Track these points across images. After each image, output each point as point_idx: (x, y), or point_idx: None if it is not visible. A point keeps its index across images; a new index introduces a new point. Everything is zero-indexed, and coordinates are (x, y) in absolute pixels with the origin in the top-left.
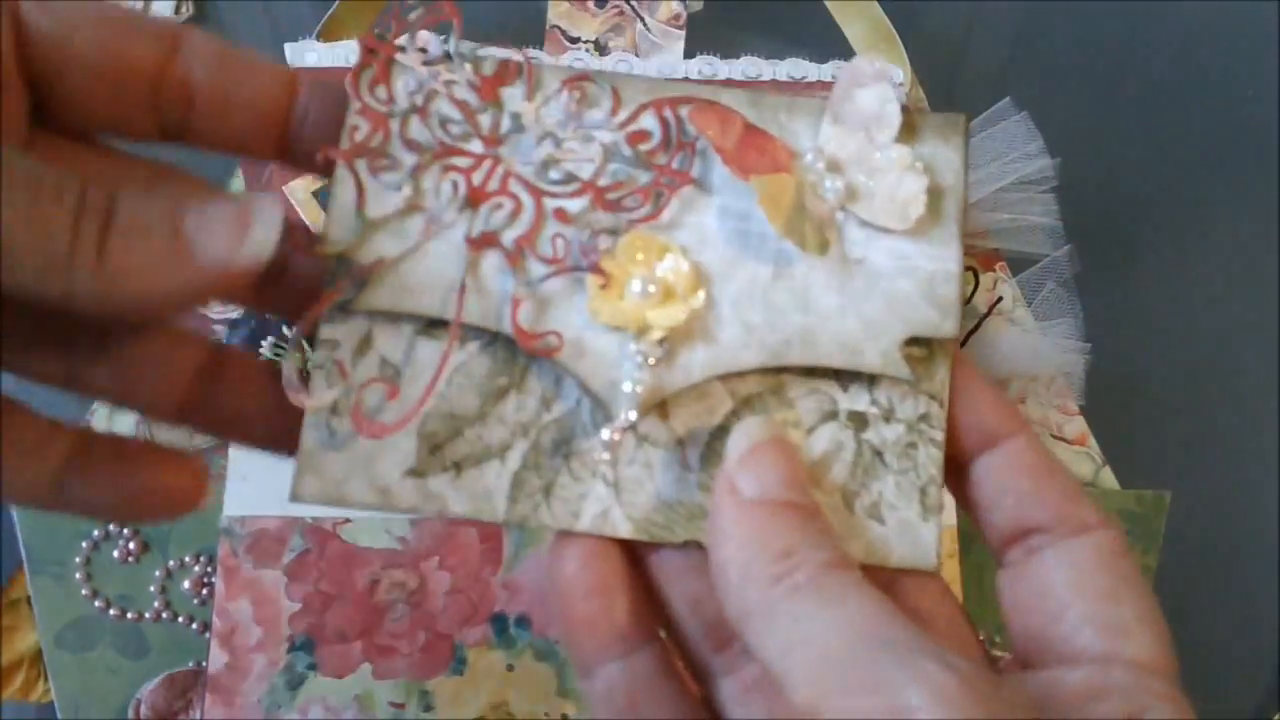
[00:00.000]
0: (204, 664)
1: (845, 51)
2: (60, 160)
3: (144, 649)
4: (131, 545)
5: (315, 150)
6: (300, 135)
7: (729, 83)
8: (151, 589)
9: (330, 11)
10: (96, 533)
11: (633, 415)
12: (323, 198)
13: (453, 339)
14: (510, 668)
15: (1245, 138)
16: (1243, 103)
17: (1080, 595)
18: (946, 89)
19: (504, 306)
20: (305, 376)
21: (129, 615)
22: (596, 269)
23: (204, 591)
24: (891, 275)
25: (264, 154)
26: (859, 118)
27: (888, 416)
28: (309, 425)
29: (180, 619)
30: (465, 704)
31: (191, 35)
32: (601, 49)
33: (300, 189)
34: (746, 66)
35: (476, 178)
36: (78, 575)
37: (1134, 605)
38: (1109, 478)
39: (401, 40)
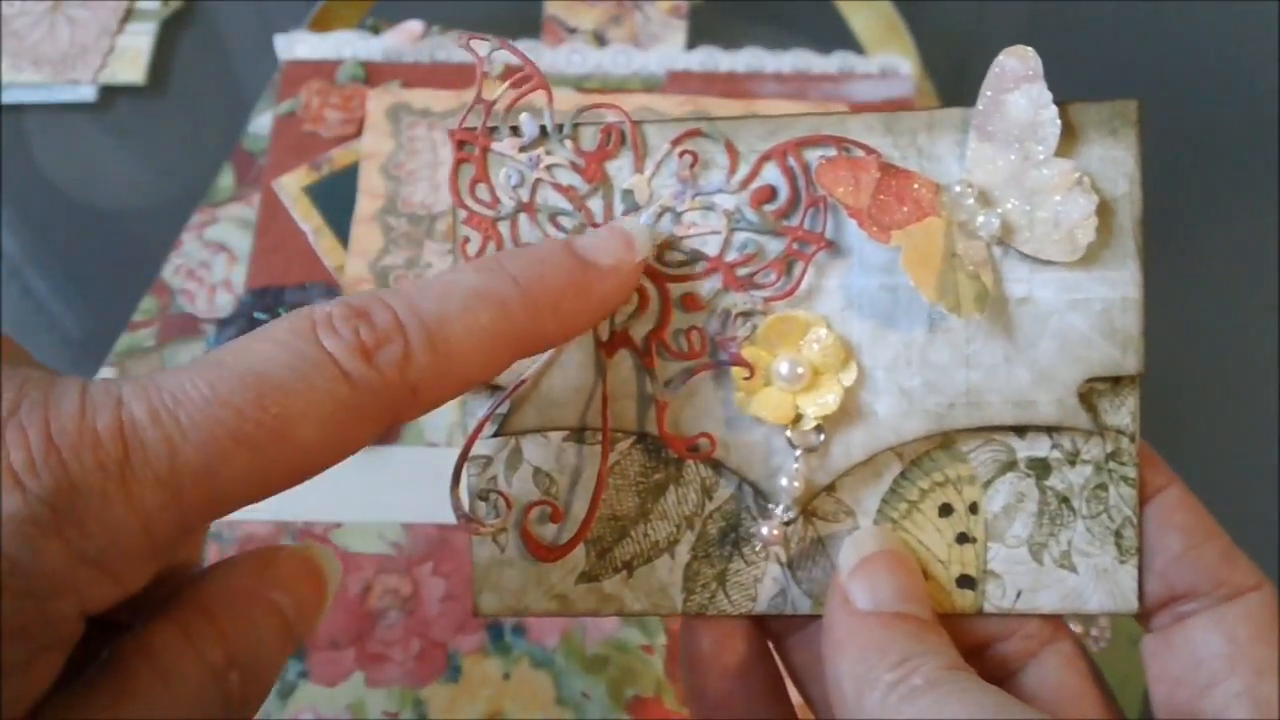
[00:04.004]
0: None
1: (850, 43)
2: None
3: None
4: None
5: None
6: None
7: (863, 107)
8: None
9: (321, 2)
10: None
11: (791, 514)
12: (313, 193)
13: (605, 455)
14: (506, 676)
15: (1252, 135)
16: (1245, 101)
17: (1234, 668)
18: (956, 82)
19: (647, 409)
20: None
21: None
22: (738, 360)
23: None
24: (1062, 311)
25: None
26: (1010, 131)
27: (1072, 459)
28: (477, 544)
29: None
30: (460, 713)
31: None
32: (600, 40)
33: (290, 185)
34: (749, 58)
35: None
36: None
37: None
38: None
39: (493, 120)
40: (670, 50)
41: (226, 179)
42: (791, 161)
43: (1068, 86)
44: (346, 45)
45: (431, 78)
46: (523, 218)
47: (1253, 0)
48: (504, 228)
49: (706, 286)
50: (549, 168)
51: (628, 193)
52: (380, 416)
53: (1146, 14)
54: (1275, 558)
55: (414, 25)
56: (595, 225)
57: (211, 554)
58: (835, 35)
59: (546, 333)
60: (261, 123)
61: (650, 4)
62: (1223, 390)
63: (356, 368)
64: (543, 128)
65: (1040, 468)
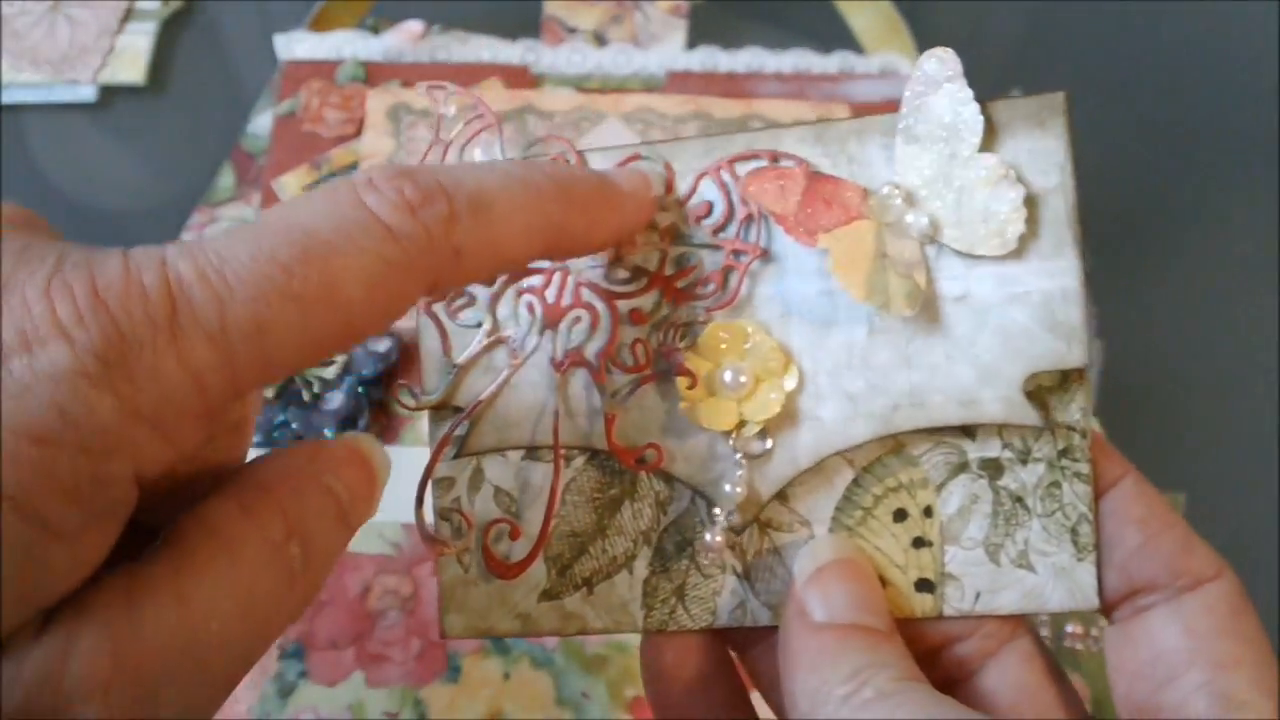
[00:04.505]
0: None
1: (851, 42)
2: None
3: None
4: None
5: None
6: None
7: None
8: None
9: (321, 2)
10: None
11: (733, 518)
12: None
13: (558, 470)
14: (506, 676)
15: (1248, 136)
16: (1246, 100)
17: (1194, 661)
18: None
19: (596, 423)
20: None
21: None
22: (682, 370)
23: None
24: (1001, 306)
25: None
26: (935, 131)
27: (1024, 458)
28: (444, 565)
29: None
30: (460, 713)
31: None
32: (600, 40)
33: (290, 185)
34: (750, 58)
35: (550, 295)
36: None
37: (1251, 670)
38: None
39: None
40: (670, 50)
41: (226, 179)
42: (725, 176)
43: (1066, 85)
44: (346, 45)
45: (431, 78)
46: None
47: (1253, 0)
48: None
49: (650, 301)
50: None
51: None
52: (424, 276)
53: (1146, 13)
54: (1276, 560)
55: (414, 25)
56: None
57: None
58: (835, 35)
59: (575, 231)
60: (261, 123)
61: (650, 4)
62: (1237, 391)
63: (401, 222)
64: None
65: (992, 468)
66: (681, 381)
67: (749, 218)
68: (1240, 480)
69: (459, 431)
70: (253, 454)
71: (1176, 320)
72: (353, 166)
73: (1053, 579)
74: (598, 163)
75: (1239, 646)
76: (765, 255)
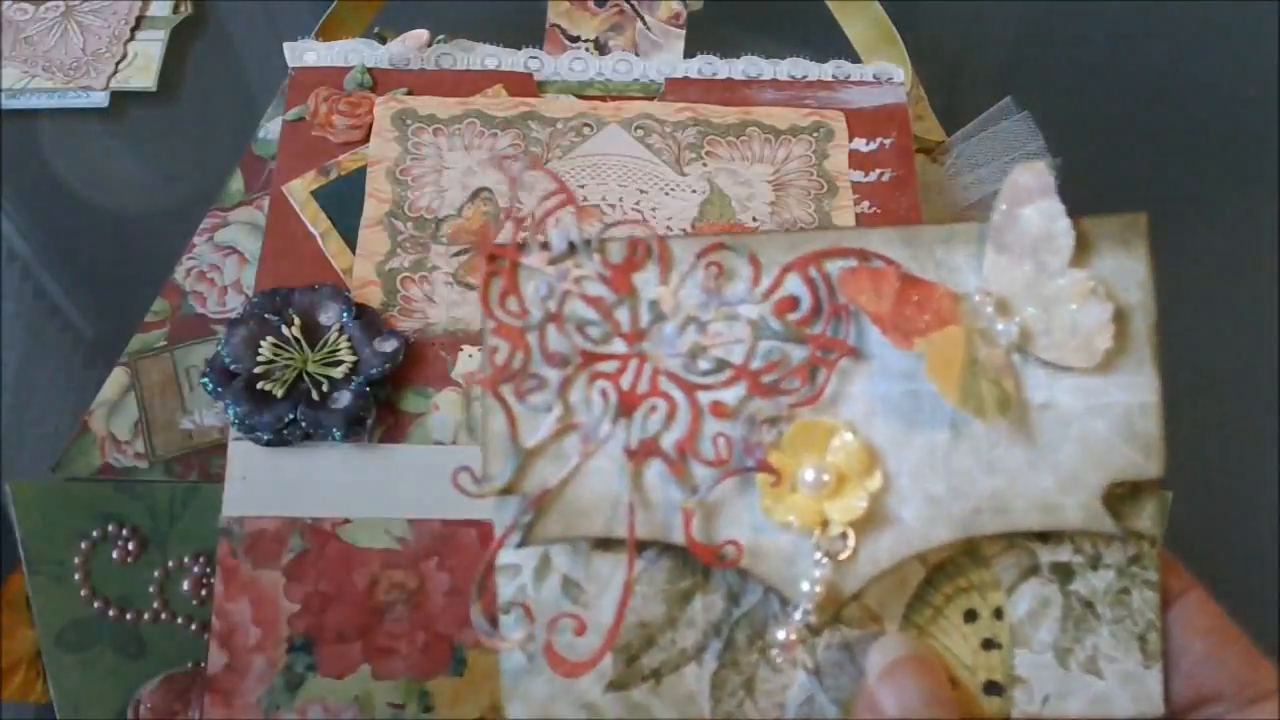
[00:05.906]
0: (203, 665)
1: (846, 50)
2: None
3: (143, 650)
4: (130, 545)
5: None
6: None
7: (872, 219)
8: (150, 589)
9: (329, 10)
10: (95, 532)
11: (811, 618)
12: (321, 197)
13: (631, 565)
14: None
15: (1247, 137)
16: (1244, 102)
17: None
18: (947, 89)
19: (673, 517)
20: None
21: (128, 616)
22: (765, 466)
23: (203, 592)
24: (1083, 416)
25: None
26: (1025, 243)
27: (1094, 564)
28: (504, 655)
29: (179, 620)
30: (465, 705)
31: None
32: (601, 48)
33: (299, 189)
34: (747, 66)
35: (625, 381)
36: (76, 576)
37: None
38: None
39: (521, 234)
40: (669, 58)
41: (237, 183)
42: (813, 272)
43: (1063, 90)
44: (354, 53)
45: (437, 85)
46: (550, 328)
47: (1252, 1)
48: (532, 338)
49: (733, 394)
50: (577, 279)
51: (654, 303)
52: None
53: (1144, 14)
54: (1276, 560)
55: (420, 33)
56: (622, 335)
57: (223, 550)
58: (832, 43)
59: None
60: (271, 128)
61: (650, 12)
62: (1225, 390)
63: None
64: (571, 243)
65: (1063, 572)
66: (763, 478)
67: (837, 314)
68: (1229, 479)
69: (525, 519)
70: (258, 450)
71: (1175, 320)
72: (360, 171)
73: (1120, 686)
74: (679, 249)
75: None
76: (854, 353)
